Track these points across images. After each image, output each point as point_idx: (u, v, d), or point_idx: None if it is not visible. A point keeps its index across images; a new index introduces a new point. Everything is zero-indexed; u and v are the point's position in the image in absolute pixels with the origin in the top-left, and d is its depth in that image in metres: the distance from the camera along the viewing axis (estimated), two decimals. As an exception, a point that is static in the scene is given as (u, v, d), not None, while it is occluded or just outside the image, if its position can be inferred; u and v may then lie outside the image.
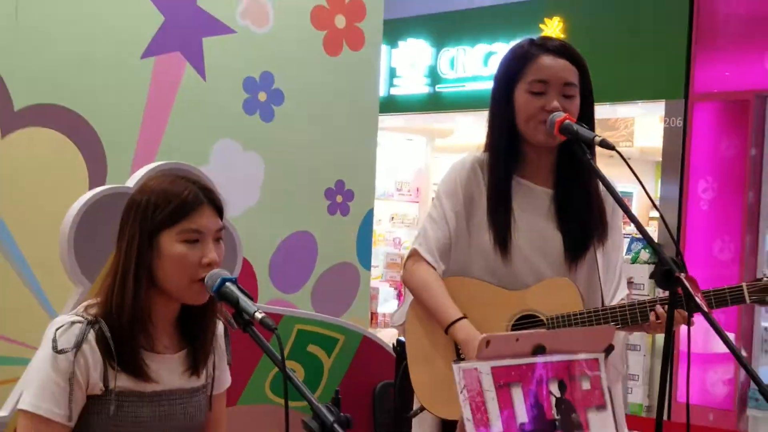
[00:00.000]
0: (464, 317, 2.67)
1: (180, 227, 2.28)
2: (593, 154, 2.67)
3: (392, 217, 11.27)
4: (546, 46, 2.76)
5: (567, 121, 2.64)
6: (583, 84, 2.76)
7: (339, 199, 4.11)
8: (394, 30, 10.22)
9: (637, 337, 8.32)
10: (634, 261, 8.77)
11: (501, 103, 2.80)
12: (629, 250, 9.09)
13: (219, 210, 2.36)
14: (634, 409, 8.26)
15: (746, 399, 8.09)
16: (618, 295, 2.85)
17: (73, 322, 2.27)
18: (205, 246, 2.30)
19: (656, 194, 8.86)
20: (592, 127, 2.73)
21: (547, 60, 2.72)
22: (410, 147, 11.52)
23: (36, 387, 2.24)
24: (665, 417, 2.66)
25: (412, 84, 10.41)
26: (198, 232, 2.29)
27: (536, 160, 2.80)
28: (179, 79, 3.71)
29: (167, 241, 2.29)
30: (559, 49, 2.75)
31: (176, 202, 2.29)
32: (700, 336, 8.21)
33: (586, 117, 2.76)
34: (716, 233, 8.35)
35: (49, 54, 3.46)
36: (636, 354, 8.48)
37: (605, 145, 2.58)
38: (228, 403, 2.69)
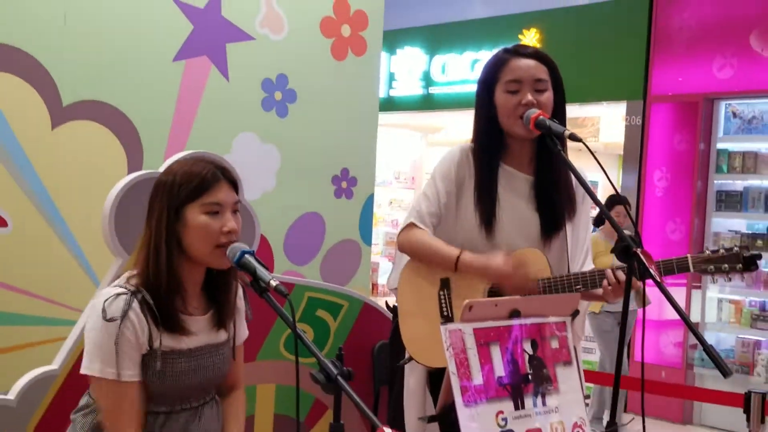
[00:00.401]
0: (462, 252, 2.67)
1: (202, 201, 2.29)
2: (564, 145, 2.67)
3: (390, 202, 11.32)
4: (518, 51, 2.76)
5: (541, 117, 2.63)
6: (554, 80, 2.75)
7: (344, 185, 4.11)
8: (393, 39, 10.25)
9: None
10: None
11: (484, 103, 2.78)
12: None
13: (235, 186, 2.36)
14: (597, 367, 8.27)
15: (693, 359, 8.14)
16: (585, 268, 2.83)
17: (118, 294, 2.27)
18: (225, 216, 2.31)
19: (618, 183, 8.88)
20: (563, 118, 2.74)
21: (519, 62, 2.71)
22: (407, 141, 11.53)
23: (97, 354, 2.25)
24: (624, 373, 2.67)
25: (408, 86, 10.46)
26: (218, 205, 2.30)
27: (518, 149, 2.79)
28: (205, 79, 3.70)
29: (192, 213, 2.29)
30: (529, 53, 2.75)
31: (197, 180, 2.30)
32: (654, 305, 8.24)
33: (559, 108, 2.76)
34: (669, 216, 8.39)
35: (93, 57, 3.45)
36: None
37: (574, 138, 2.58)
38: (247, 359, 2.69)
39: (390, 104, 10.44)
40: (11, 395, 2.80)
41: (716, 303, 8.21)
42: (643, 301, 2.46)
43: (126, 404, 2.26)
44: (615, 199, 6.50)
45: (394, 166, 11.33)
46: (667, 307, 8.18)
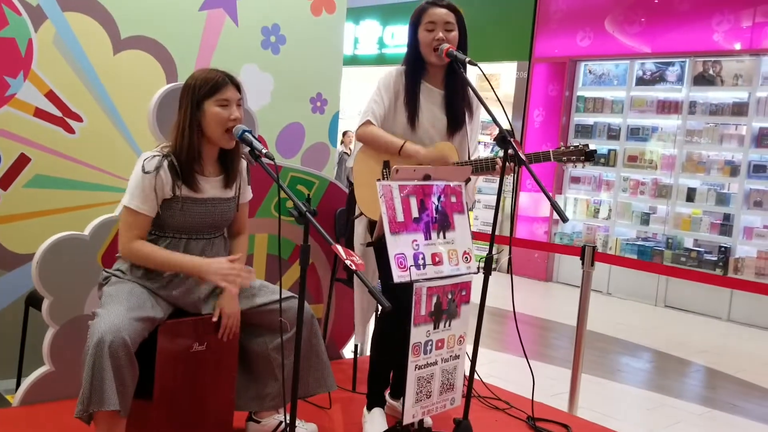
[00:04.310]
0: (405, 141, 2.68)
1: (215, 97, 2.30)
2: (465, 69, 2.68)
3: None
4: (435, 3, 2.73)
5: (450, 49, 2.65)
6: (460, 24, 2.73)
7: (318, 104, 4.09)
8: (358, 14, 10.17)
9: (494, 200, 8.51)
10: (495, 155, 8.92)
11: (411, 39, 2.77)
12: (493, 150, 9.21)
13: (238, 87, 2.36)
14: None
15: (554, 239, 8.35)
16: (476, 154, 2.88)
17: (153, 156, 2.31)
18: (232, 108, 2.33)
19: (511, 119, 8.96)
20: (465, 50, 2.73)
21: (435, 10, 2.70)
22: (366, 85, 11.44)
23: (132, 193, 2.29)
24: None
25: (368, 48, 10.38)
26: (227, 100, 2.31)
27: (434, 72, 2.79)
28: (222, 25, 3.65)
29: (209, 106, 2.31)
30: (443, 4, 2.72)
31: (212, 83, 2.31)
32: (530, 206, 8.33)
33: (463, 44, 2.74)
34: (543, 142, 8.54)
35: (143, 4, 3.39)
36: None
37: (472, 63, 2.60)
38: (249, 216, 2.71)
39: (355, 60, 10.37)
40: (86, 232, 2.82)
41: (573, 201, 8.37)
42: (502, 174, 2.52)
43: (138, 227, 2.30)
44: None
45: (357, 106, 11.28)
46: (539, 206, 8.36)
